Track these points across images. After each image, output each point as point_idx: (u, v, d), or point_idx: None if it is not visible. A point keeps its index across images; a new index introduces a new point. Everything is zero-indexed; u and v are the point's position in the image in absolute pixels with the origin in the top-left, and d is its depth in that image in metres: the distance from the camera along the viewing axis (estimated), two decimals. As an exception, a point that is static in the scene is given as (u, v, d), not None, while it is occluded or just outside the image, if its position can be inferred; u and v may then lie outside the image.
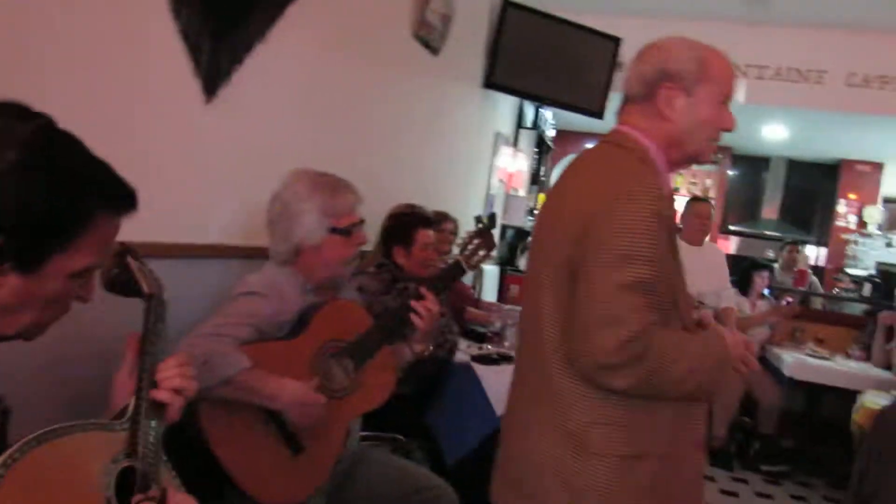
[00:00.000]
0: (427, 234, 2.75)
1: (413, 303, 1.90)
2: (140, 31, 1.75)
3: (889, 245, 7.61)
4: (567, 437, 1.35)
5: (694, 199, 4.43)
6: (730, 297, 4.22)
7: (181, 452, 1.19)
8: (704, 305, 3.68)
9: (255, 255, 2.21)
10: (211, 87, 2.01)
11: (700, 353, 1.34)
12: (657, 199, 1.30)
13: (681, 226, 4.37)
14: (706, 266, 4.04)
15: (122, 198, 0.97)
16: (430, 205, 3.45)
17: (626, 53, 5.60)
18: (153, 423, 1.03)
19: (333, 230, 1.83)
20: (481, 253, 2.05)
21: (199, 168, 2.04)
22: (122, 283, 1.25)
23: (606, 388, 1.30)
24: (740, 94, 6.23)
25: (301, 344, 1.75)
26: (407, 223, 2.75)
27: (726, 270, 4.34)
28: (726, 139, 8.93)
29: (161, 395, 1.06)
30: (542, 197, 7.24)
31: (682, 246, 4.12)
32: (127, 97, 1.73)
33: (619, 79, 5.71)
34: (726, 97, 1.44)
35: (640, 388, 1.30)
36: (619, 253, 1.26)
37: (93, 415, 1.07)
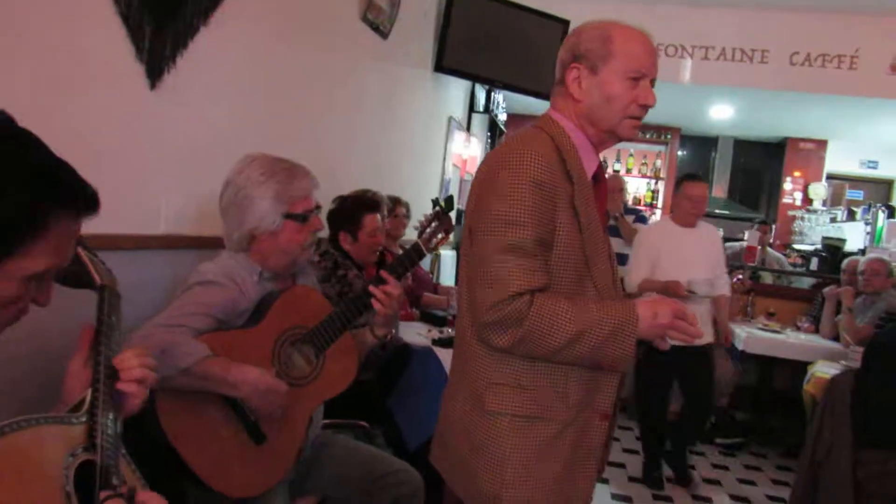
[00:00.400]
0: (374, 219, 2.72)
1: (372, 288, 1.87)
2: (77, 14, 1.68)
3: (834, 220, 7.84)
4: (472, 394, 1.46)
5: (686, 178, 3.89)
6: (724, 285, 3.88)
7: (140, 447, 1.16)
8: (695, 295, 3.57)
9: (207, 244, 2.16)
10: (155, 73, 1.95)
11: (593, 320, 1.33)
12: (537, 167, 1.35)
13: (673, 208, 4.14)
14: (701, 250, 3.79)
15: (82, 199, 0.93)
16: (386, 190, 3.43)
17: (576, 36, 5.62)
18: (111, 415, 0.99)
19: (289, 216, 1.79)
20: (440, 236, 2.03)
21: (147, 157, 1.98)
22: (73, 275, 1.21)
23: (489, 345, 1.39)
24: (684, 74, 6.33)
25: (260, 332, 1.71)
26: (353, 208, 2.72)
27: (722, 254, 3.99)
28: (675, 120, 9.03)
29: (126, 386, 1.04)
30: (496, 181, 7.26)
31: (672, 229, 3.82)
32: (67, 85, 1.66)
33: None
34: (636, 72, 1.43)
35: (520, 348, 1.36)
36: (496, 217, 1.36)
37: (46, 410, 1.03)
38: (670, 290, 3.49)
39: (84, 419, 0.98)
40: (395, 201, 3.65)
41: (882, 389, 2.37)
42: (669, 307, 1.37)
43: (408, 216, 3.74)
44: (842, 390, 2.56)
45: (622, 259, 3.85)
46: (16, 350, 1.52)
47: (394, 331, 2.11)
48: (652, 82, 1.47)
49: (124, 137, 1.88)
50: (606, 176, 1.87)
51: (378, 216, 2.75)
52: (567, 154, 1.43)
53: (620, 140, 1.51)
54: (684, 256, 3.70)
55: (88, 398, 1.00)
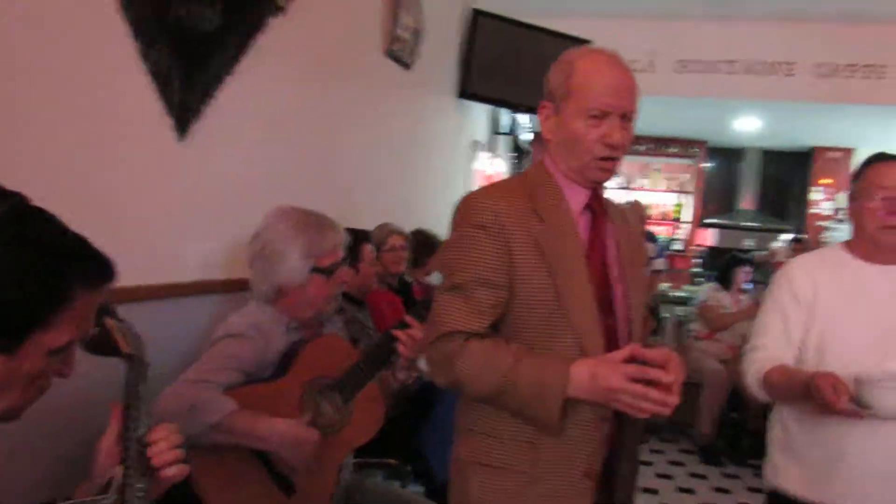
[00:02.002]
0: (370, 248, 2.74)
1: (397, 332, 1.89)
2: (110, 74, 1.73)
3: (863, 229, 7.71)
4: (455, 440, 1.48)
5: (877, 159, 1.88)
6: None
7: (173, 505, 1.18)
8: (871, 410, 1.57)
9: (235, 288, 2.20)
10: (183, 125, 1.99)
11: (518, 375, 1.26)
12: (479, 211, 1.34)
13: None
14: None
15: (100, 272, 0.96)
16: (410, 219, 3.45)
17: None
18: (141, 488, 1.01)
19: (316, 270, 1.81)
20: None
21: (176, 205, 2.02)
22: (101, 344, 1.23)
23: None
24: (710, 89, 6.29)
25: (288, 383, 1.73)
26: (352, 240, 2.74)
27: None
28: (701, 134, 8.96)
29: (170, 472, 1.06)
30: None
31: (848, 266, 1.80)
32: (100, 142, 1.71)
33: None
34: (596, 110, 1.32)
35: (455, 390, 1.36)
36: (443, 262, 1.40)
37: (71, 478, 1.05)
38: (819, 392, 1.57)
39: (115, 497, 1.00)
40: (388, 233, 3.15)
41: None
42: (615, 368, 1.23)
43: (407, 248, 3.32)
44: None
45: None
46: (47, 418, 1.55)
47: (418, 371, 2.12)
48: (625, 118, 1.34)
49: (155, 187, 1.93)
50: (627, 203, 1.85)
51: (370, 245, 2.77)
52: (542, 194, 1.38)
53: (591, 181, 1.40)
54: (873, 322, 1.76)
55: (120, 476, 1.03)
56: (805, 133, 7.95)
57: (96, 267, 0.96)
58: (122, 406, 1.10)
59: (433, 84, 4.31)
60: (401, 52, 3.58)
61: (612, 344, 1.34)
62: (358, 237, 2.72)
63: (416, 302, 2.71)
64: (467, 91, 4.71)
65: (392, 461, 2.50)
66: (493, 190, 1.43)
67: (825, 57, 6.10)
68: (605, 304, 1.38)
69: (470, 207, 1.37)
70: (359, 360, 1.84)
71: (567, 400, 1.27)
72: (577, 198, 1.41)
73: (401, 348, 1.89)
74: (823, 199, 8.60)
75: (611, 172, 1.39)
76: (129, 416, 1.08)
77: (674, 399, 1.23)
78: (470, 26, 4.66)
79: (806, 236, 7.25)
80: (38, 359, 0.91)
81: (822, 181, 8.60)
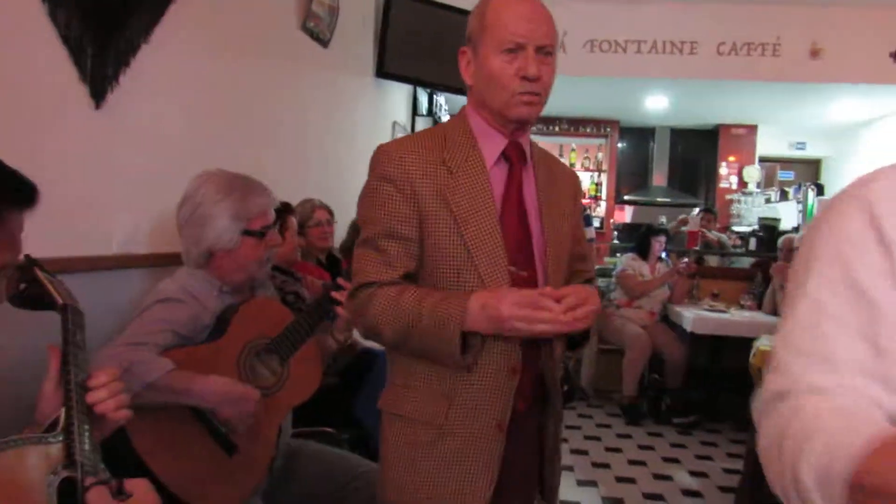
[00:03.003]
0: (293, 220, 2.75)
1: (335, 294, 1.90)
2: (19, 38, 1.66)
3: (768, 201, 8.16)
4: None
5: None
6: None
7: (113, 468, 1.16)
8: None
9: (161, 262, 2.16)
10: (99, 93, 1.94)
11: (423, 312, 1.27)
12: (384, 164, 1.36)
13: None
14: None
15: (24, 192, 0.98)
16: (331, 197, 3.44)
17: (513, 36, 5.75)
18: (87, 432, 1.00)
19: (246, 232, 1.80)
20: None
21: (96, 177, 1.96)
22: (33, 297, 1.21)
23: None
24: (619, 68, 6.50)
25: (224, 345, 1.72)
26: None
27: None
28: (613, 113, 9.26)
29: (116, 415, 1.07)
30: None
31: None
32: (11, 109, 1.65)
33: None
34: (510, 43, 1.30)
35: (372, 339, 1.38)
36: (359, 214, 1.43)
37: (18, 430, 1.04)
38: None
39: (61, 438, 0.99)
40: (313, 208, 3.18)
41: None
42: (507, 296, 1.24)
43: (333, 222, 3.34)
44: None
45: None
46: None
47: (353, 335, 2.14)
48: (543, 50, 1.32)
49: (72, 158, 1.87)
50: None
51: (293, 217, 2.78)
52: (453, 145, 1.37)
53: (517, 123, 1.38)
54: None
55: (63, 417, 1.02)
56: (710, 111, 8.34)
57: (20, 187, 0.99)
58: (61, 353, 1.09)
59: (351, 63, 4.30)
60: (317, 30, 3.56)
61: None
62: (282, 208, 2.71)
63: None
64: (384, 70, 4.72)
65: (328, 429, 2.51)
66: (405, 141, 1.42)
67: (725, 36, 6.41)
68: (523, 257, 1.38)
69: (379, 160, 1.38)
70: (293, 322, 1.85)
71: (471, 336, 1.28)
72: (492, 147, 1.39)
73: (339, 310, 1.91)
74: (730, 174, 9.04)
75: (534, 107, 1.35)
76: (67, 360, 1.07)
77: (565, 317, 1.23)
78: (385, 5, 4.67)
79: (715, 208, 7.61)
80: None
81: (729, 157, 9.05)
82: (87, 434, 1.01)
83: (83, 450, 0.98)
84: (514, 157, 1.41)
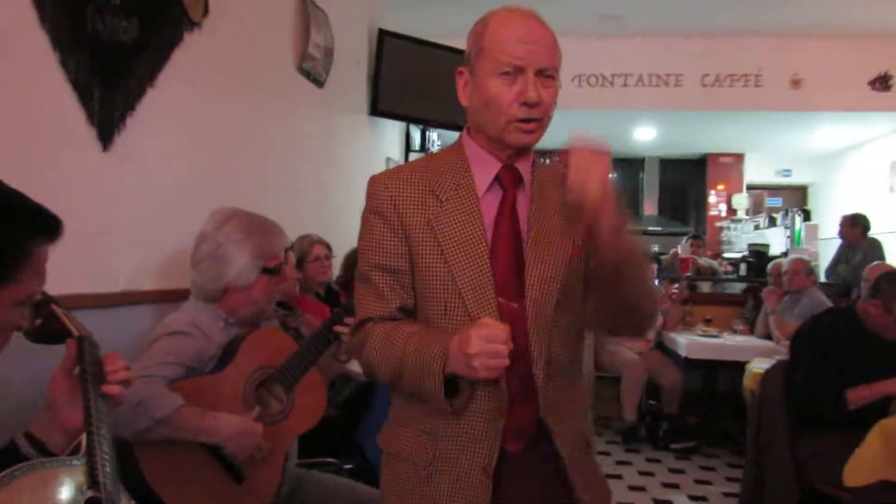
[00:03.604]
0: (290, 255, 2.81)
1: (337, 327, 1.97)
2: (29, 85, 1.75)
3: (757, 227, 8.28)
4: None
5: None
6: None
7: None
8: None
9: (166, 298, 2.22)
10: (106, 135, 2.02)
11: (408, 353, 1.22)
12: (373, 197, 1.33)
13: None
14: None
15: (52, 225, 1.06)
16: (331, 232, 3.52)
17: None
18: (107, 451, 1.06)
19: (265, 271, 1.89)
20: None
21: (103, 216, 2.03)
22: (51, 332, 1.27)
23: None
24: (607, 101, 6.66)
25: (230, 375, 1.78)
26: None
27: None
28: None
29: (111, 388, 1.15)
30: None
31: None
32: (24, 149, 1.72)
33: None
34: (508, 66, 1.24)
35: (372, 376, 1.33)
36: (358, 248, 1.38)
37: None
38: None
39: (83, 461, 1.05)
40: (310, 243, 3.22)
41: (809, 373, 2.58)
42: (480, 330, 1.14)
43: (331, 256, 3.38)
44: (775, 381, 2.76)
45: None
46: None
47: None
48: (543, 73, 1.26)
49: (80, 198, 1.94)
50: None
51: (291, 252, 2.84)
52: (444, 172, 1.33)
53: (508, 146, 1.30)
54: None
55: (84, 441, 1.07)
56: (698, 141, 8.52)
57: (48, 221, 1.07)
58: (80, 381, 1.14)
59: (345, 102, 4.42)
60: (313, 71, 3.67)
61: (512, 326, 1.20)
62: None
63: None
64: (378, 108, 4.84)
65: (331, 460, 2.54)
66: (396, 171, 1.38)
67: (708, 68, 6.60)
68: (515, 287, 1.29)
69: (369, 192, 1.35)
70: (297, 351, 1.91)
71: (460, 378, 1.21)
72: (484, 173, 1.33)
73: (344, 331, 1.97)
74: (720, 202, 9.19)
75: (532, 135, 1.29)
76: (87, 386, 1.13)
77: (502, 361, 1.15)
78: (377, 46, 4.81)
79: (698, 234, 7.73)
80: (7, 309, 1.01)
81: (718, 186, 9.21)
82: (108, 457, 1.06)
83: (105, 472, 1.04)
84: (508, 182, 1.34)
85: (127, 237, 2.13)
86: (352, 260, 3.55)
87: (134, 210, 2.15)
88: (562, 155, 1.23)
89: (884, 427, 2.37)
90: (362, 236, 1.35)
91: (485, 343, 1.13)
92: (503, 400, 1.26)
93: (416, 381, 1.23)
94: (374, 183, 1.35)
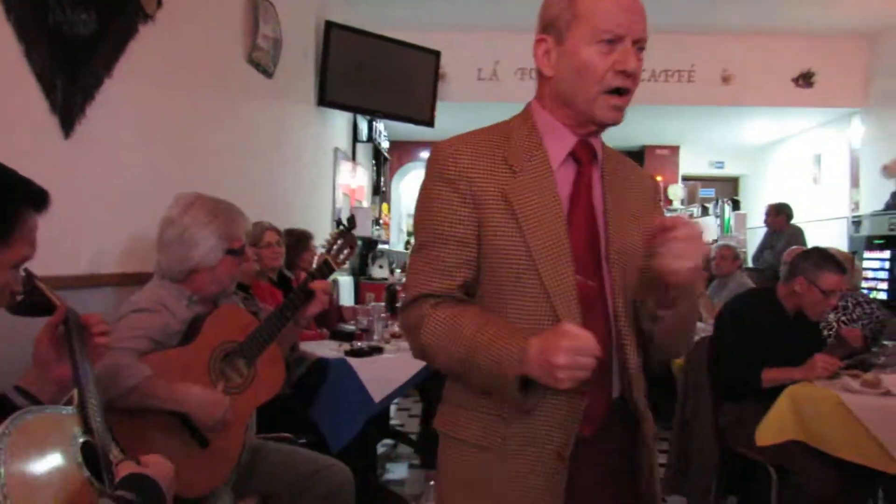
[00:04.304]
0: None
1: (313, 284, 2.12)
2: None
3: (691, 216, 8.67)
4: None
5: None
6: None
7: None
8: None
9: (128, 281, 2.32)
10: (68, 124, 2.10)
11: (479, 347, 1.15)
12: (441, 162, 1.24)
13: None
14: None
15: (39, 196, 1.19)
16: (281, 219, 3.63)
17: (447, 65, 6.05)
18: (96, 406, 1.19)
19: (229, 252, 2.01)
20: (346, 251, 2.29)
21: (65, 201, 2.10)
22: (35, 305, 1.38)
23: None
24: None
25: (196, 349, 1.90)
26: None
27: None
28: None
29: (100, 339, 1.33)
30: (385, 207, 7.55)
31: None
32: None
33: (442, 89, 6.16)
34: (609, 33, 1.17)
35: (424, 360, 1.27)
36: (414, 219, 1.32)
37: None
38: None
39: (76, 411, 1.18)
40: (263, 230, 3.28)
41: (731, 349, 2.81)
42: (570, 342, 1.07)
43: (282, 243, 3.45)
44: (700, 355, 2.99)
45: None
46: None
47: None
48: (638, 44, 1.20)
49: (43, 184, 2.00)
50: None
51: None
52: (516, 142, 1.26)
53: (601, 125, 1.25)
54: None
55: (76, 396, 1.20)
56: (636, 133, 8.82)
57: (36, 193, 1.20)
58: (68, 345, 1.27)
59: (294, 92, 4.51)
60: (262, 61, 3.77)
61: (589, 306, 1.22)
62: None
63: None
64: (325, 99, 4.95)
65: (286, 435, 2.67)
66: (463, 138, 1.28)
67: (644, 64, 6.80)
68: (592, 265, 1.25)
69: (435, 158, 1.26)
70: (259, 327, 2.03)
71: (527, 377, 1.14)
72: (559, 146, 1.27)
73: (313, 304, 2.11)
74: (656, 192, 9.54)
75: (620, 112, 1.22)
76: (73, 345, 1.26)
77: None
78: (324, 38, 4.91)
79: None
80: (4, 272, 1.14)
81: (655, 177, 9.56)
82: (97, 408, 1.19)
83: (97, 420, 1.16)
84: (584, 157, 1.28)
85: (89, 221, 2.22)
86: (294, 237, 3.68)
87: (95, 195, 2.24)
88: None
89: (791, 393, 2.62)
90: (423, 205, 1.27)
91: (574, 356, 1.07)
92: (584, 384, 1.16)
93: (485, 379, 1.17)
94: (439, 149, 1.26)
